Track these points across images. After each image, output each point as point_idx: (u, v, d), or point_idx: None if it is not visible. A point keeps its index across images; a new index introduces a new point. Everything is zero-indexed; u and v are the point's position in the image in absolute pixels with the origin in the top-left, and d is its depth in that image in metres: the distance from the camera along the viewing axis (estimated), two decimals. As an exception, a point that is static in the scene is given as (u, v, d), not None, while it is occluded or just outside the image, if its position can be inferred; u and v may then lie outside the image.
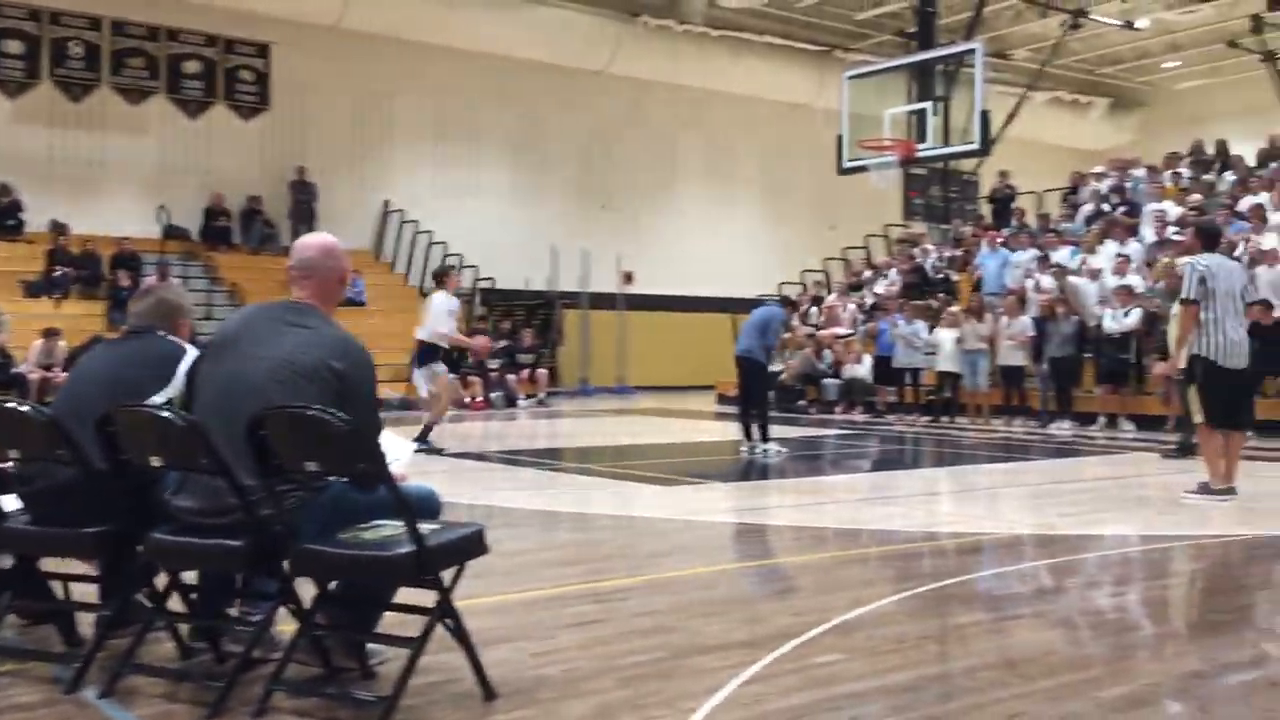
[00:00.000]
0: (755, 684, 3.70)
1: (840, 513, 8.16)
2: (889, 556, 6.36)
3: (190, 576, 3.93)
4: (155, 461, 3.57)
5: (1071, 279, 15.13)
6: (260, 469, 3.40)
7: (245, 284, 18.99)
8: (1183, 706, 3.61)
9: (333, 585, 3.66)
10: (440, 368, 11.66)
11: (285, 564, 3.51)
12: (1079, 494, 8.98)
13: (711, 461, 11.58)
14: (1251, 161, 18.11)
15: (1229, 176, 17.58)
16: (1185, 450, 10.49)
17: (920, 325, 16.29)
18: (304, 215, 21.22)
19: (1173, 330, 8.98)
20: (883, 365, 16.88)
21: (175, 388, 3.99)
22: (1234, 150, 18.82)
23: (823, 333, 18.90)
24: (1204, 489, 8.08)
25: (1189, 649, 4.36)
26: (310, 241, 3.89)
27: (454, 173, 23.75)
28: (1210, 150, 18.82)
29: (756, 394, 11.88)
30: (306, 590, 3.60)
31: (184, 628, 3.93)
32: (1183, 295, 8.08)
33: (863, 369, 17.57)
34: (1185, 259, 8.42)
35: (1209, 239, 8.38)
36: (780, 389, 18.07)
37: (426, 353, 11.57)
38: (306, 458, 3.35)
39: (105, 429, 3.66)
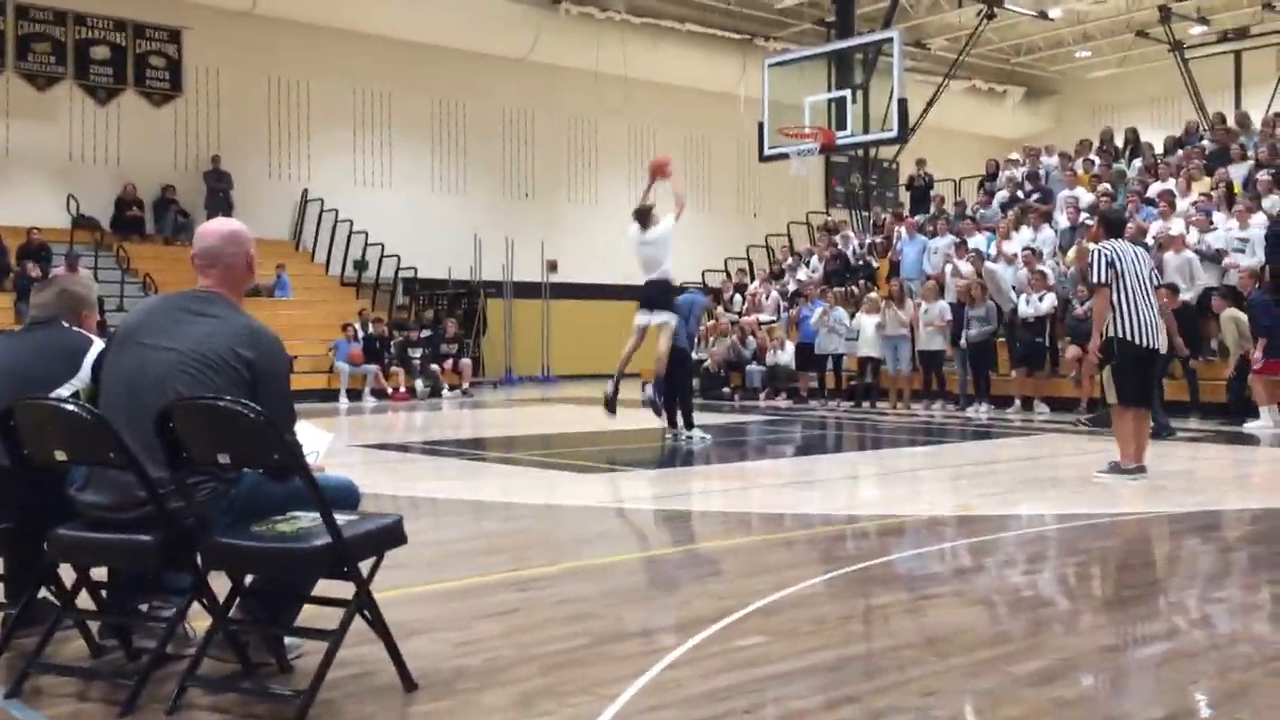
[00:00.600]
0: (677, 668, 3.70)
1: (764, 497, 8.22)
2: (812, 540, 6.42)
3: (100, 572, 3.83)
4: (60, 456, 3.46)
5: (989, 265, 15.39)
6: (171, 462, 3.32)
7: (158, 275, 18.57)
8: (1095, 679, 3.69)
9: (248, 579, 3.60)
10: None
11: (198, 558, 3.44)
12: (996, 475, 9.15)
13: (636, 449, 11.59)
14: (1160, 149, 18.57)
15: (1138, 164, 18.01)
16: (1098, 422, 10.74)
17: (841, 312, 16.47)
18: (219, 205, 20.77)
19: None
20: (805, 351, 17.06)
21: (81, 380, 3.89)
22: (1144, 138, 19.29)
23: (746, 319, 19.02)
24: (1115, 468, 8.28)
25: (1101, 624, 4.45)
26: (212, 228, 3.79)
27: (374, 161, 23.47)
28: (1120, 138, 19.25)
29: (680, 380, 11.92)
30: (221, 584, 3.53)
31: (94, 625, 3.84)
32: (1093, 280, 8.29)
33: (786, 355, 17.73)
34: (1093, 245, 8.61)
35: (1112, 226, 8.58)
36: (705, 376, 18.17)
37: None
38: (218, 450, 3.28)
39: (6, 423, 3.55)
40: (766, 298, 19.54)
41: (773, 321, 18.76)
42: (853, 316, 16.38)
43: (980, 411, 14.60)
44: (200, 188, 21.04)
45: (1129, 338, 8.10)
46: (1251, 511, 7.21)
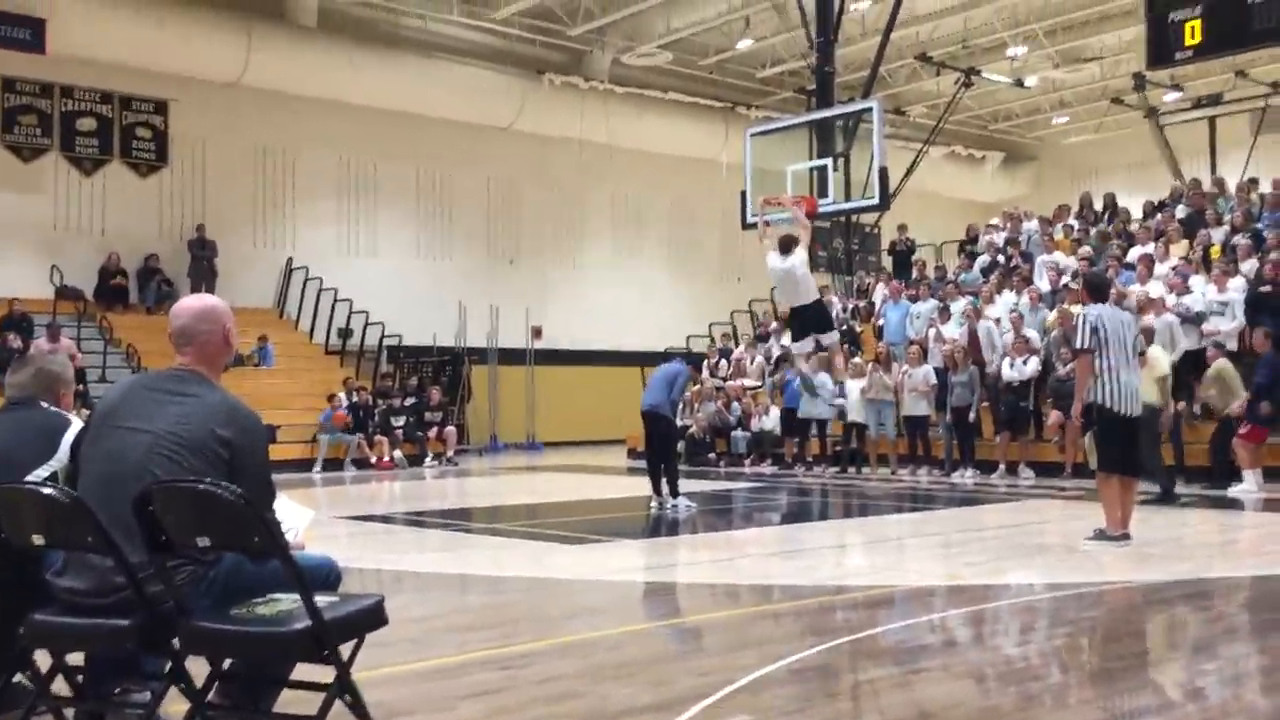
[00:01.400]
0: (664, 750, 3.65)
1: (751, 567, 8.16)
2: (799, 612, 6.37)
3: (76, 657, 3.77)
4: (38, 540, 3.42)
5: (983, 323, 15.51)
6: (149, 544, 3.28)
7: (141, 344, 18.51)
8: (1085, 757, 3.64)
9: (227, 662, 3.54)
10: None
11: (175, 641, 3.38)
12: (984, 542, 9.12)
13: (622, 518, 11.53)
14: (1138, 213, 18.79)
15: (1111, 228, 18.19)
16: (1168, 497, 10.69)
17: (825, 376, 16.45)
18: (203, 274, 20.82)
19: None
20: (790, 417, 17.05)
21: (60, 460, 3.85)
22: (1122, 202, 19.52)
23: (731, 384, 19.04)
24: (1100, 535, 8.26)
25: (1090, 697, 4.41)
26: (186, 305, 3.75)
27: (358, 229, 23.56)
28: (1099, 203, 19.47)
29: (664, 449, 11.90)
30: (200, 668, 3.47)
31: (69, 711, 3.76)
32: (1076, 345, 8.32)
33: (771, 421, 17.72)
34: (1078, 309, 8.67)
35: (1096, 290, 8.62)
36: (690, 442, 18.14)
37: None
38: (198, 532, 3.24)
39: (-17, 506, 3.50)
40: (751, 363, 19.58)
41: (758, 387, 18.78)
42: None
43: (966, 477, 14.59)
44: (185, 257, 21.06)
45: (1109, 405, 8.13)
46: (1238, 579, 7.20)
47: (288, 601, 3.32)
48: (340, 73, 21.47)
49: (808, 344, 12.30)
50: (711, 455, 18.23)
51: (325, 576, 3.65)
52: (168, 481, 3.25)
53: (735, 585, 7.44)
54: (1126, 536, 8.23)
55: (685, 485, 12.07)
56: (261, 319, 21.60)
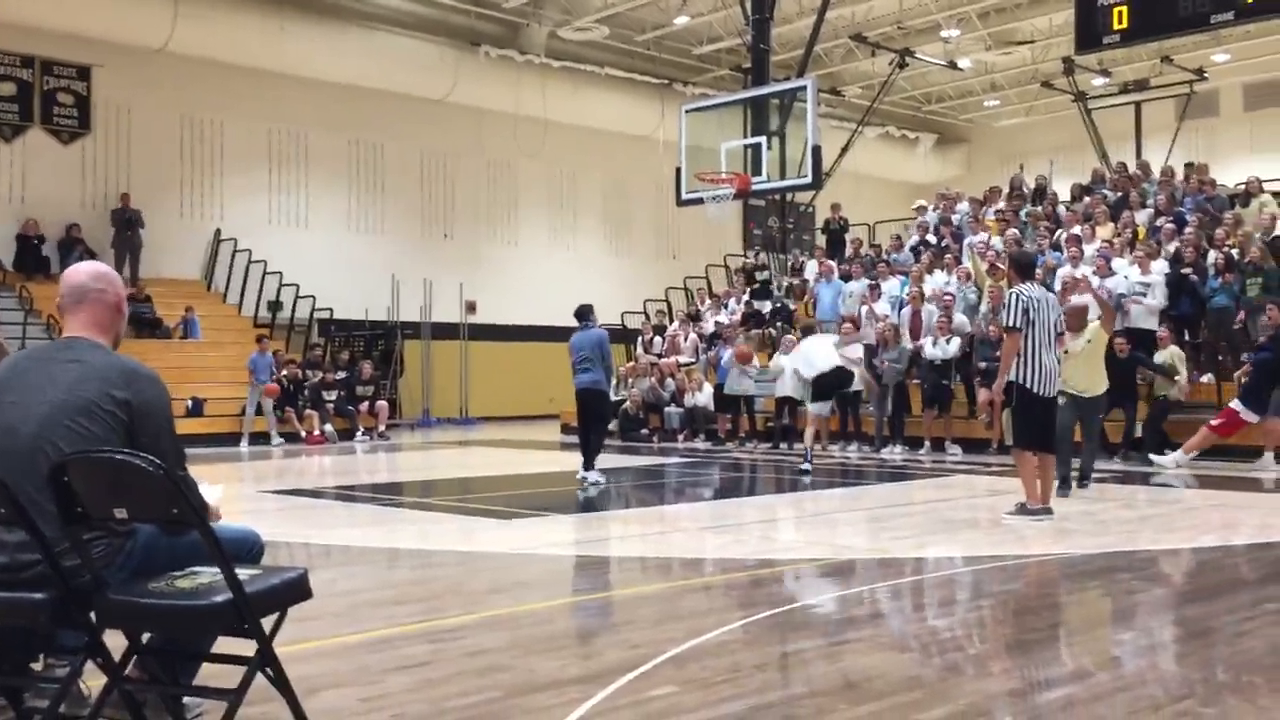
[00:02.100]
0: (589, 721, 3.66)
1: (682, 542, 8.21)
2: (729, 585, 6.42)
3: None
4: (-54, 513, 3.33)
5: (926, 306, 15.71)
6: (65, 518, 3.20)
7: (64, 316, 18.05)
8: (1003, 725, 3.72)
9: (146, 636, 3.48)
10: None
11: (92, 615, 3.32)
12: (911, 517, 9.25)
13: (554, 493, 11.52)
14: (1066, 195, 19.10)
15: (1041, 209, 18.49)
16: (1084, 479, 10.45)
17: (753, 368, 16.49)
18: (128, 244, 20.37)
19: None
20: (723, 393, 17.12)
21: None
22: (1050, 185, 19.82)
23: (665, 361, 19.09)
24: (1021, 509, 8.43)
25: (1009, 667, 4.51)
26: (79, 267, 3.65)
27: (289, 200, 23.19)
28: (1030, 185, 19.76)
29: (599, 422, 11.85)
30: (118, 642, 3.41)
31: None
32: (1007, 324, 8.41)
33: (704, 397, 17.80)
34: (1009, 288, 8.77)
35: (1024, 269, 8.75)
36: (624, 418, 18.17)
37: None
38: (114, 504, 3.17)
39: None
40: (685, 339, 19.64)
41: (691, 364, 18.85)
42: (770, 358, 16.50)
43: (895, 453, 14.78)
44: (109, 227, 20.58)
45: (1029, 385, 8.29)
46: (1155, 552, 7.38)
47: (208, 574, 3.27)
48: (271, 40, 21.05)
49: (825, 407, 13.53)
50: (645, 431, 18.28)
51: (248, 549, 3.61)
52: (84, 452, 3.18)
53: (666, 559, 7.48)
54: (1048, 511, 8.41)
55: (619, 460, 12.12)
56: (188, 291, 21.21)
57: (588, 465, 11.53)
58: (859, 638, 4.99)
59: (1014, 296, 8.41)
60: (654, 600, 5.97)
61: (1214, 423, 12.11)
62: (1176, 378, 13.02)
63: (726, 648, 4.70)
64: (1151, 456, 12.33)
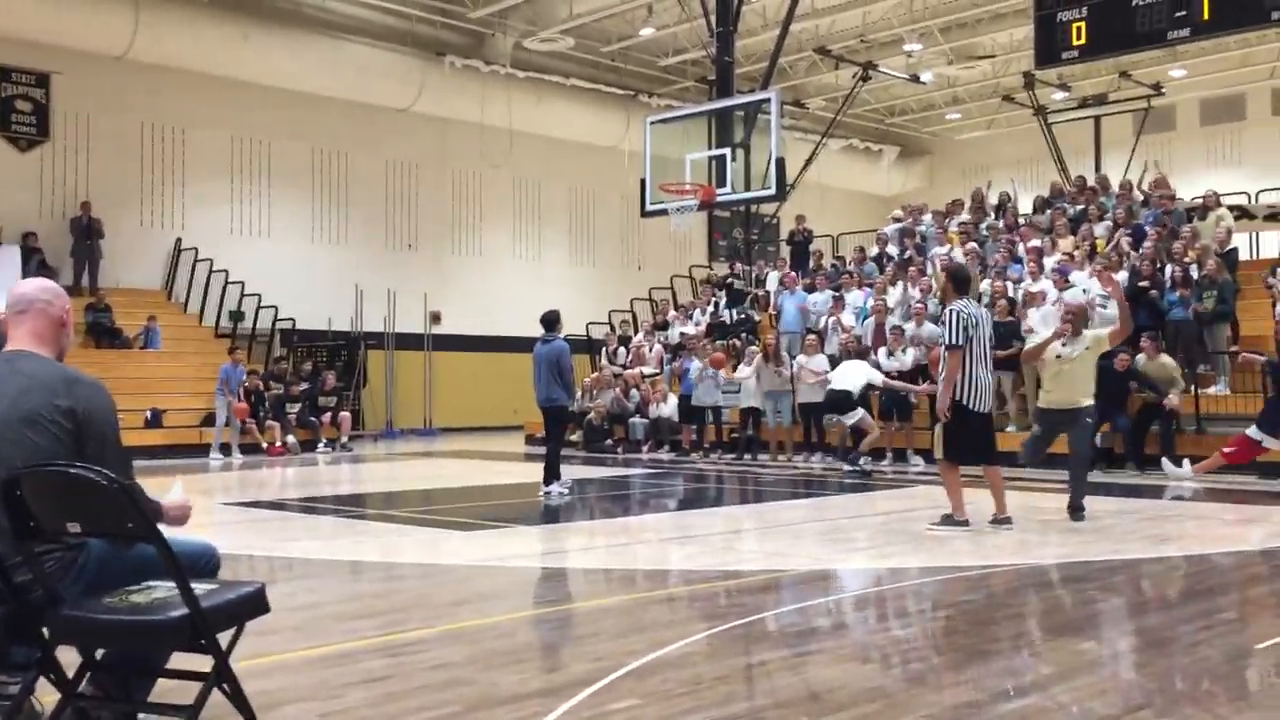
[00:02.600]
0: (550, 735, 3.64)
1: (646, 553, 8.20)
2: (692, 596, 6.42)
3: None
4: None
5: (890, 319, 15.81)
6: (16, 532, 3.16)
7: (21, 326, 17.81)
8: (963, 735, 3.74)
9: (100, 652, 3.43)
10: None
11: (45, 631, 3.27)
12: (872, 528, 9.29)
13: (518, 505, 11.47)
14: (1025, 208, 19.29)
15: (1002, 223, 18.65)
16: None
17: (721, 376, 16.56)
18: (87, 253, 20.13)
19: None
20: (688, 404, 17.16)
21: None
22: (1016, 201, 19.99)
23: (629, 372, 19.08)
24: (947, 520, 8.50)
25: (970, 678, 4.53)
26: (26, 280, 3.71)
27: (251, 210, 23.01)
28: (993, 198, 19.93)
29: (558, 433, 11.83)
30: (71, 657, 3.36)
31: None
32: (949, 341, 8.42)
33: (669, 408, 17.81)
34: (948, 305, 8.70)
35: (961, 284, 8.76)
36: (588, 428, 18.14)
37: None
38: (68, 518, 3.14)
39: None
40: (650, 350, 19.65)
41: (656, 374, 18.85)
42: (735, 369, 16.55)
43: (859, 464, 14.81)
44: (67, 236, 20.33)
45: (965, 402, 8.33)
46: (1114, 562, 7.44)
47: (163, 589, 3.23)
48: (233, 49, 20.90)
49: (855, 416, 14.27)
50: (609, 442, 18.26)
51: (204, 563, 3.57)
52: (36, 466, 3.14)
53: (630, 571, 7.46)
54: (1007, 521, 8.50)
55: (583, 471, 12.09)
56: (149, 300, 21.01)
57: (546, 481, 11.49)
58: (821, 649, 5.00)
59: (954, 314, 8.39)
60: (617, 612, 5.96)
61: (1226, 450, 11.85)
62: (1174, 390, 13.03)
63: (689, 660, 4.70)
64: (1164, 463, 12.40)
